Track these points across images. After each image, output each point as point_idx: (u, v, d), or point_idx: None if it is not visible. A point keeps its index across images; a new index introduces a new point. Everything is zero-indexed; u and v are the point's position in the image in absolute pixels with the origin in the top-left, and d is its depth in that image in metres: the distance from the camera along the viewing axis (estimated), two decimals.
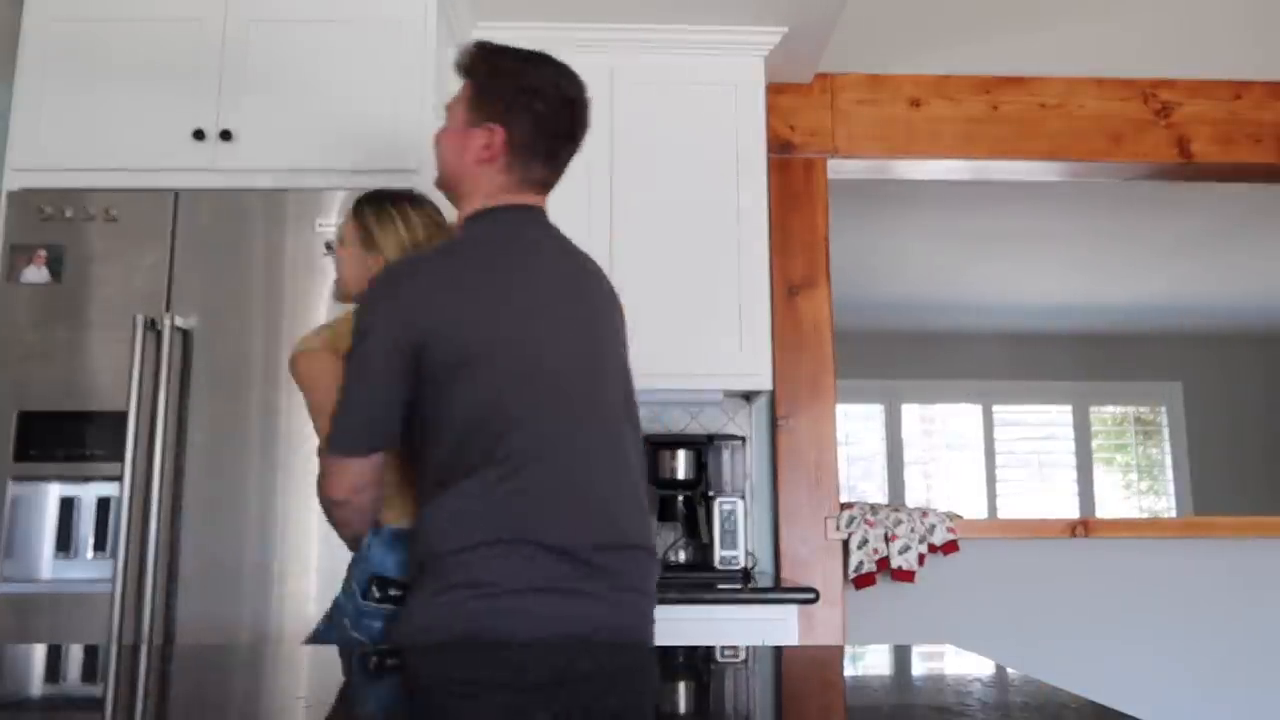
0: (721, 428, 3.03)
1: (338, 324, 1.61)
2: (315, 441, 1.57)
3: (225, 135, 2.38)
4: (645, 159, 2.77)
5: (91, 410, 2.20)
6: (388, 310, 1.44)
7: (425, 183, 2.40)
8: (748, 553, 2.70)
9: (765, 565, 3.02)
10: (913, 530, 3.07)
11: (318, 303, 2.26)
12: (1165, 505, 6.97)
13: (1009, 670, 1.05)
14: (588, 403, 1.48)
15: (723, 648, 1.23)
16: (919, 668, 1.13)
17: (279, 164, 2.38)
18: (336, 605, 1.58)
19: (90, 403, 2.20)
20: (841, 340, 3.83)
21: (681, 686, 1.03)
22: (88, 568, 2.16)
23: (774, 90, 3.15)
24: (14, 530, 2.17)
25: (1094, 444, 7.07)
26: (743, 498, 2.70)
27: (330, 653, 1.20)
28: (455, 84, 1.61)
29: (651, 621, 1.50)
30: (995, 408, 7.06)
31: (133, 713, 0.90)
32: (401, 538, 1.54)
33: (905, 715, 0.87)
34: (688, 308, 2.71)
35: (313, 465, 2.17)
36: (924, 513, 3.12)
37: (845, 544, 3.04)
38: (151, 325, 2.21)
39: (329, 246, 2.26)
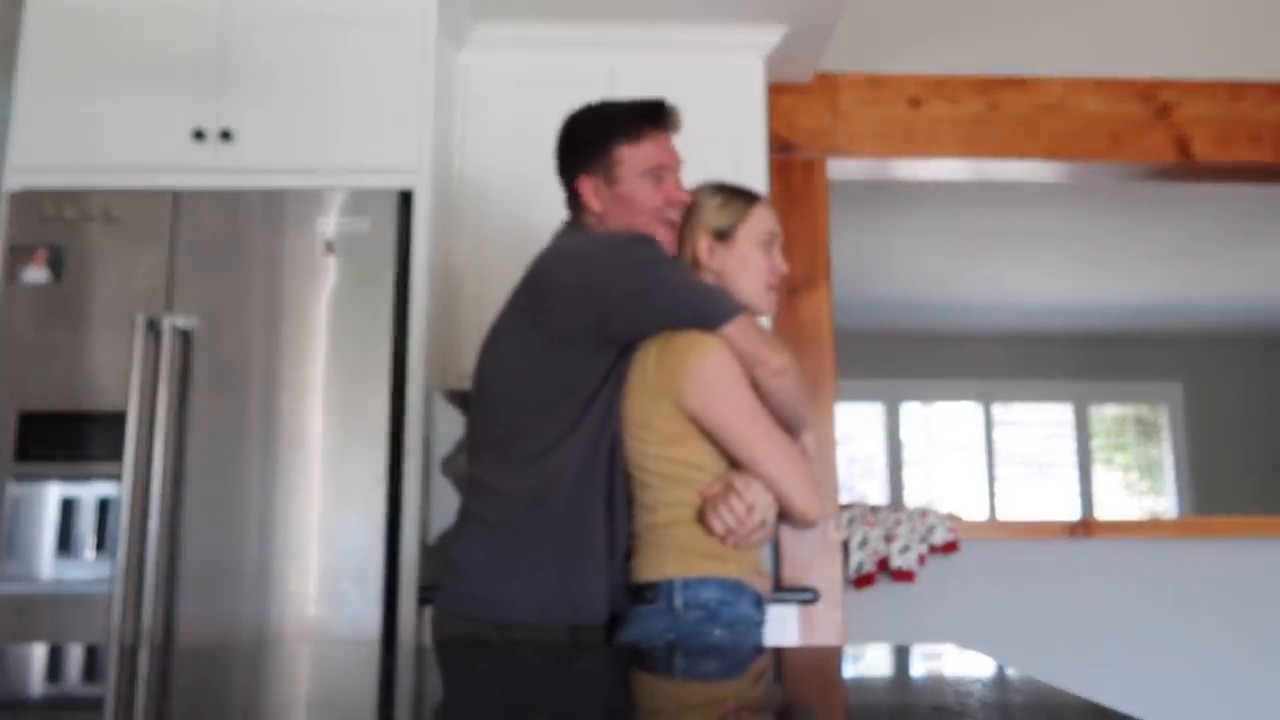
0: None
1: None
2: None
3: (225, 135, 2.37)
4: None
5: (91, 410, 2.20)
6: None
7: (424, 183, 2.41)
8: None
9: (765, 565, 3.02)
10: (913, 530, 3.07)
11: (318, 302, 2.26)
12: (1165, 505, 6.96)
13: (1009, 670, 1.05)
14: None
15: None
16: (919, 668, 1.13)
17: (279, 164, 2.38)
18: None
19: (90, 403, 2.20)
20: (841, 340, 3.82)
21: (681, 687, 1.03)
22: (88, 568, 2.16)
23: (774, 90, 3.14)
24: (14, 530, 2.17)
25: (1094, 444, 7.06)
26: None
27: (330, 652, 1.19)
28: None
29: None
30: (995, 407, 7.05)
31: (133, 713, 0.90)
32: None
33: (905, 715, 0.87)
34: None
35: (310, 466, 2.18)
36: (924, 513, 3.12)
37: (845, 544, 3.04)
38: (151, 325, 2.21)
39: (329, 246, 2.26)
